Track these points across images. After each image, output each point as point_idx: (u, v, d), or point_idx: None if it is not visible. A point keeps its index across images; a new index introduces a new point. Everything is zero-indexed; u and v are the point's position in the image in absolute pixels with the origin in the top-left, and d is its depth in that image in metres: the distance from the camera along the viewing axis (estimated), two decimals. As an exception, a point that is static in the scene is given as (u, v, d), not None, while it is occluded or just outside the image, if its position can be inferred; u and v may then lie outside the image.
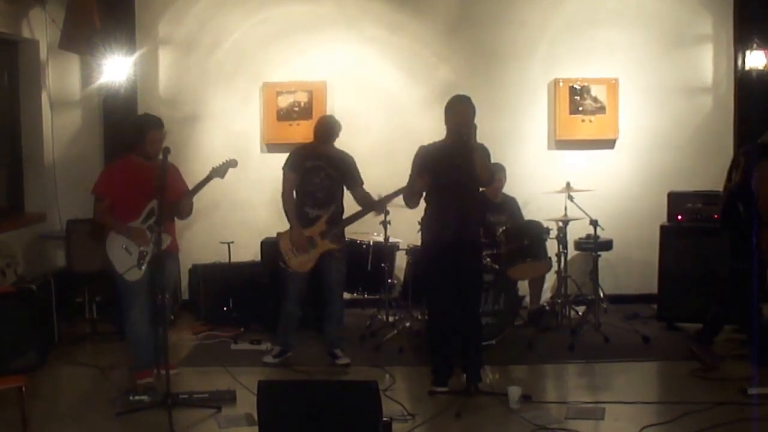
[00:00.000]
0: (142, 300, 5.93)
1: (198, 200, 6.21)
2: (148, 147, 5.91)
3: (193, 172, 6.48)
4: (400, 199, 7.17)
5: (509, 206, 7.75)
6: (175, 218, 6.15)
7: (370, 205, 6.58)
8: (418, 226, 6.22)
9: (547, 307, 7.67)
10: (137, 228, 5.90)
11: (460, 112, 5.85)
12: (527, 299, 7.79)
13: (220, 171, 6.05)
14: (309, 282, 6.58)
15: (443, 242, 5.89)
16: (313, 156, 6.54)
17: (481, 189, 6.23)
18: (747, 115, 8.26)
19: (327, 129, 6.54)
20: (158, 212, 5.72)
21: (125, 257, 5.91)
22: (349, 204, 6.68)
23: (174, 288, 6.31)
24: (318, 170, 6.50)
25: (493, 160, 7.39)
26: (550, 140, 8.53)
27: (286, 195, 6.55)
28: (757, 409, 5.38)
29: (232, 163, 6.10)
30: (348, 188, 6.63)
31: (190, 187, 6.10)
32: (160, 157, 5.76)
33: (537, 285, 7.71)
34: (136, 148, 6.00)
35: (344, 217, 6.62)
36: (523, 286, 7.68)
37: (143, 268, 5.88)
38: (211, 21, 8.44)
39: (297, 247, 6.45)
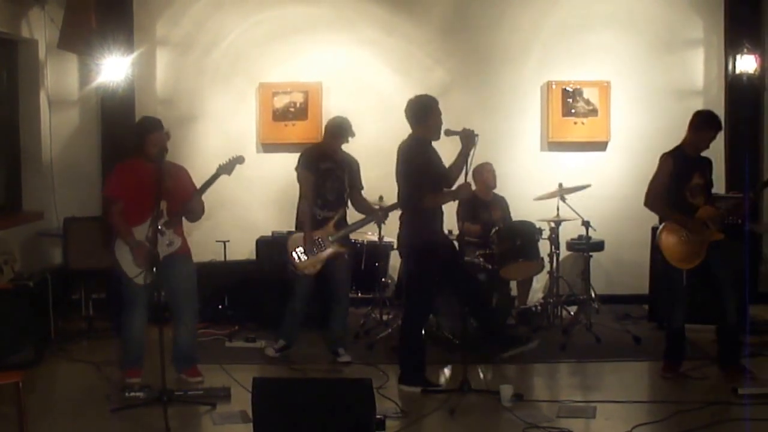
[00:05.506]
0: (143, 302, 5.96)
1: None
2: (150, 149, 5.84)
3: (190, 171, 6.51)
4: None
5: (500, 204, 7.82)
6: (183, 220, 6.09)
7: (373, 213, 6.67)
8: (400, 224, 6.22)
9: (533, 308, 7.72)
10: (142, 245, 5.78)
11: (439, 114, 5.97)
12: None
13: (227, 168, 6.00)
14: (316, 282, 6.64)
15: (440, 244, 6.03)
16: (326, 158, 6.59)
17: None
18: (737, 119, 8.34)
19: (339, 129, 6.57)
20: (155, 214, 5.65)
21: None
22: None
23: (191, 290, 6.19)
24: (330, 173, 6.56)
25: (484, 160, 7.53)
26: (542, 142, 8.60)
27: (307, 197, 6.54)
28: (747, 409, 5.42)
29: (239, 160, 6.04)
30: (348, 191, 6.69)
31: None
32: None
33: (525, 285, 7.75)
34: (140, 152, 5.92)
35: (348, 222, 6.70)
36: (513, 286, 7.74)
37: (153, 271, 5.71)
38: (208, 22, 8.49)
39: (307, 248, 6.50)
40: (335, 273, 6.61)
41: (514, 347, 6.45)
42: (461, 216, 7.32)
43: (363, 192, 6.77)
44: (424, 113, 5.96)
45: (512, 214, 7.84)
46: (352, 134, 6.61)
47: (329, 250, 6.53)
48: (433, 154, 6.03)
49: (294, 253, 6.52)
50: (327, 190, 6.57)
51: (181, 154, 7.65)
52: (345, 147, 6.74)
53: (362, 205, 6.74)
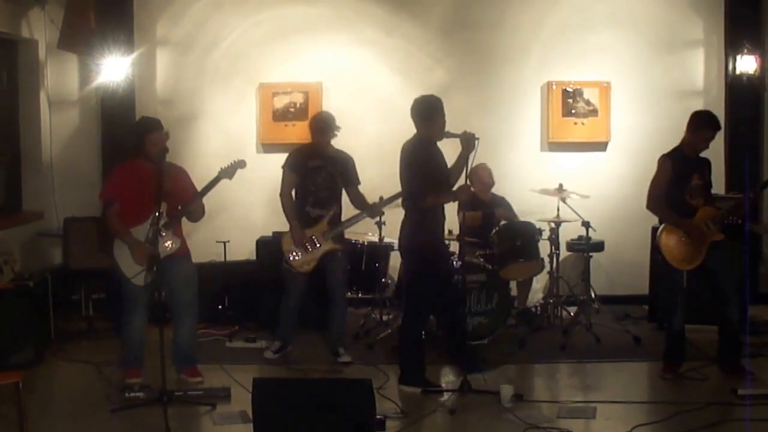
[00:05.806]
0: (143, 303, 5.96)
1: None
2: (150, 149, 5.84)
3: (190, 171, 6.53)
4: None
5: (499, 204, 7.82)
6: (183, 220, 6.07)
7: (366, 207, 6.64)
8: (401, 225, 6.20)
9: (533, 309, 7.73)
10: (141, 245, 5.77)
11: (444, 115, 5.96)
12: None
13: (228, 172, 5.99)
14: (310, 280, 6.64)
15: (442, 242, 6.04)
16: (315, 156, 6.58)
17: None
18: (737, 119, 8.34)
19: (324, 124, 6.55)
20: (155, 215, 5.63)
21: (133, 263, 5.85)
22: (346, 205, 6.78)
23: (191, 291, 6.14)
24: (320, 170, 6.56)
25: (483, 161, 7.53)
26: (543, 142, 8.60)
27: (285, 194, 6.60)
28: (747, 409, 5.43)
29: (240, 164, 6.04)
30: (344, 187, 6.69)
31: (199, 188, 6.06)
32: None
33: (525, 285, 7.76)
34: (140, 152, 5.91)
35: (343, 218, 6.69)
36: (513, 287, 7.74)
37: (153, 270, 5.68)
38: (208, 22, 8.49)
39: (299, 246, 6.51)
40: (332, 274, 6.61)
41: (470, 372, 6.02)
42: (462, 207, 7.26)
43: (361, 188, 6.75)
44: (429, 113, 5.97)
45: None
46: (338, 128, 6.60)
47: (324, 248, 6.53)
48: (437, 154, 6.03)
49: (289, 251, 6.52)
50: (319, 188, 6.57)
51: (181, 155, 7.65)
52: (345, 146, 6.75)
53: (359, 201, 6.73)
